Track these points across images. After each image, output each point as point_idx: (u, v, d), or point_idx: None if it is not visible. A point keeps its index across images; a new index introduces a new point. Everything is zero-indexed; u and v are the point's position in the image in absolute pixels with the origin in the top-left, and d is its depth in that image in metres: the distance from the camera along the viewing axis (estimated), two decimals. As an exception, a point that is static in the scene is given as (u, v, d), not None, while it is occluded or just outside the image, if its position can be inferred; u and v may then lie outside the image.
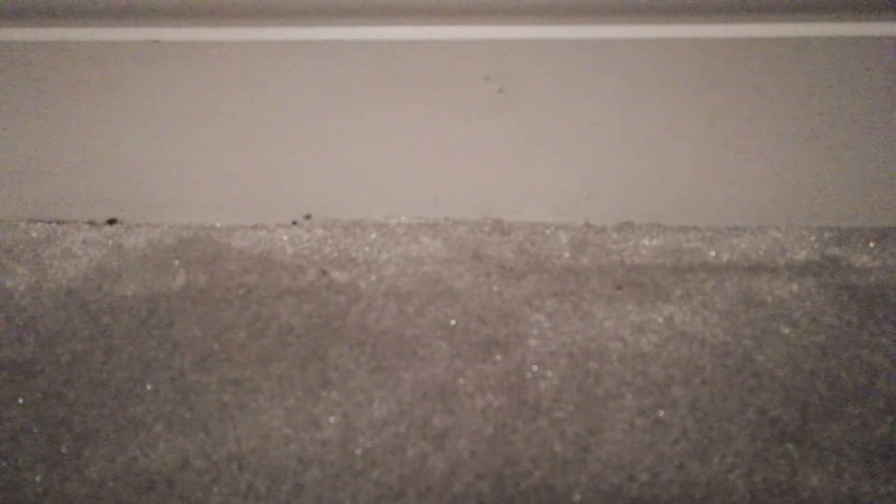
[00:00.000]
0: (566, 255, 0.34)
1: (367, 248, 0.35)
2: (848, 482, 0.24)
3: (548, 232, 0.36)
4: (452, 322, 0.30)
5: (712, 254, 0.34)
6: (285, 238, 0.35)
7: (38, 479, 0.26)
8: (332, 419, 0.26)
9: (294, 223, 0.37)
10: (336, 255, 0.35)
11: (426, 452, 0.25)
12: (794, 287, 0.32)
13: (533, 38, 0.32)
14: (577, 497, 0.24)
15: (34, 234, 0.37)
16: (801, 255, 0.34)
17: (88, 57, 0.33)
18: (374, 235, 0.36)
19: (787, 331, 0.30)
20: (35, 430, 0.27)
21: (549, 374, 0.28)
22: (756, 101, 0.33)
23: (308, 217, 0.37)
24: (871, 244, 0.35)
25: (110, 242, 0.37)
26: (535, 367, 0.28)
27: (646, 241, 0.35)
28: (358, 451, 0.25)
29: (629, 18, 0.32)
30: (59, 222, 0.38)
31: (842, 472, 0.25)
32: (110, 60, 0.33)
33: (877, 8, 0.30)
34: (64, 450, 0.27)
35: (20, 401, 0.28)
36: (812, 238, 0.35)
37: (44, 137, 0.36)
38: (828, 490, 0.24)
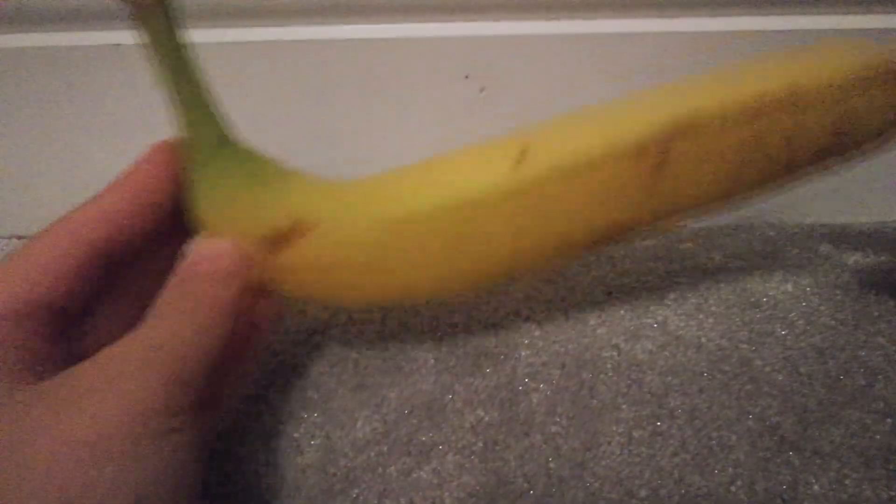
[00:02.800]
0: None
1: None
2: (849, 488, 0.24)
3: (535, 235, 0.35)
4: (438, 334, 0.29)
5: (705, 254, 0.34)
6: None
7: None
8: (313, 442, 0.25)
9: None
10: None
11: (409, 467, 0.24)
12: (789, 287, 0.31)
13: (514, 34, 0.31)
14: (574, 517, 0.23)
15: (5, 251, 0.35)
16: (795, 254, 0.33)
17: (47, 63, 0.31)
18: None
19: (783, 333, 0.29)
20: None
21: (542, 386, 0.27)
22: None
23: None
24: (863, 240, 0.34)
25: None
26: (526, 380, 0.27)
27: (637, 243, 0.34)
28: (338, 473, 0.24)
29: (615, 12, 0.31)
30: (19, 237, 0.36)
31: (843, 478, 0.24)
32: (69, 66, 0.31)
33: (871, 1, 0.30)
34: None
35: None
36: (806, 236, 0.34)
37: (6, 149, 0.34)
38: (830, 497, 0.24)
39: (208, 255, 0.19)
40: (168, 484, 0.16)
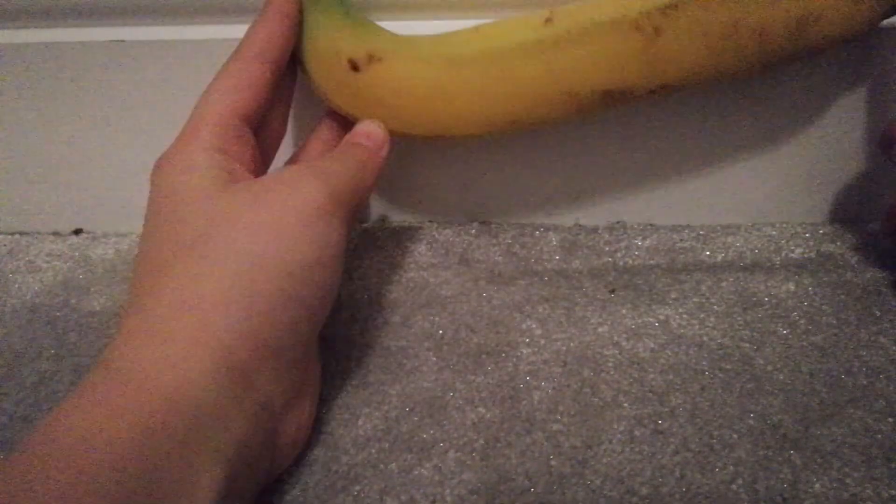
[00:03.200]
0: (557, 257, 0.33)
1: (348, 254, 0.33)
2: (850, 487, 0.24)
3: (537, 233, 0.35)
4: (440, 332, 0.29)
5: (707, 253, 0.34)
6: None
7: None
8: (316, 438, 0.25)
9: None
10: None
11: (410, 464, 0.24)
12: (791, 286, 0.31)
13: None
14: (575, 514, 0.23)
15: (-5, 248, 0.35)
16: (797, 253, 0.33)
17: (49, 59, 0.31)
18: (355, 241, 0.34)
19: (785, 332, 0.29)
20: (1, 457, 0.26)
21: (543, 383, 0.27)
22: (748, 96, 0.32)
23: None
24: (866, 240, 0.34)
25: (76, 254, 0.35)
26: (528, 378, 0.27)
27: (638, 241, 0.34)
28: (340, 470, 0.24)
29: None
30: (21, 234, 0.36)
31: (844, 477, 0.24)
32: (72, 62, 0.31)
33: None
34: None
35: (-18, 427, 0.27)
36: (807, 235, 0.34)
37: (3, 144, 0.34)
38: (830, 496, 0.23)
39: (369, 132, 0.28)
40: (327, 253, 0.23)
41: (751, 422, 0.25)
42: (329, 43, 0.28)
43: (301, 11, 0.28)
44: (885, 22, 0.27)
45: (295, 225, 0.22)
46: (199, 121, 0.24)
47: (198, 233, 0.21)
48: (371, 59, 0.27)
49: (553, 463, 0.24)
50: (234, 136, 0.24)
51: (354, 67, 0.27)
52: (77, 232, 0.36)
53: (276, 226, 0.22)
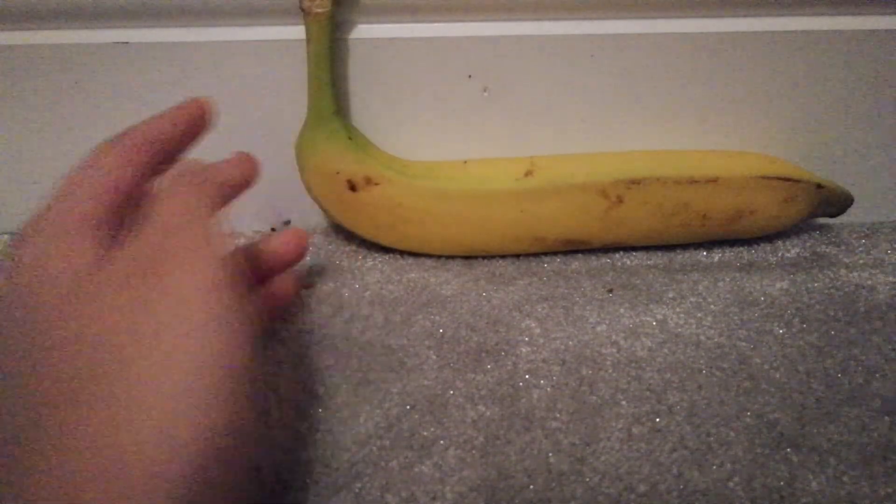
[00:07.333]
0: (556, 257, 0.34)
1: (349, 254, 0.34)
2: (847, 485, 0.24)
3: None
4: (441, 330, 0.29)
5: (704, 253, 0.34)
6: (265, 246, 0.34)
7: None
8: (317, 436, 0.25)
9: (273, 230, 0.36)
10: (317, 262, 0.33)
11: (411, 461, 0.24)
12: (786, 286, 0.32)
13: (517, 35, 0.31)
14: (574, 511, 0.23)
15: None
16: (793, 253, 0.34)
17: (53, 60, 0.31)
18: (356, 241, 0.34)
19: (781, 331, 0.29)
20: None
21: (542, 382, 0.27)
22: (745, 96, 0.32)
23: (287, 223, 0.36)
24: (862, 240, 0.34)
25: (80, 254, 0.35)
26: (527, 376, 0.27)
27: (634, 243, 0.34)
28: (341, 467, 0.24)
29: (615, 14, 0.31)
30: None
31: (840, 475, 0.24)
32: (77, 64, 0.31)
33: (869, 2, 0.30)
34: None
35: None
36: (802, 235, 0.34)
37: (8, 146, 0.34)
38: (827, 494, 0.24)
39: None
40: (246, 332, 0.19)
41: (748, 420, 0.26)
42: (330, 164, 0.31)
43: (207, 120, 0.25)
44: (881, 25, 0.27)
45: (203, 308, 0.18)
46: (72, 193, 0.21)
47: (98, 350, 0.17)
48: (368, 182, 0.30)
49: (552, 460, 0.24)
50: (100, 215, 0.21)
51: (352, 188, 0.30)
52: (80, 232, 0.36)
53: (185, 318, 0.18)
